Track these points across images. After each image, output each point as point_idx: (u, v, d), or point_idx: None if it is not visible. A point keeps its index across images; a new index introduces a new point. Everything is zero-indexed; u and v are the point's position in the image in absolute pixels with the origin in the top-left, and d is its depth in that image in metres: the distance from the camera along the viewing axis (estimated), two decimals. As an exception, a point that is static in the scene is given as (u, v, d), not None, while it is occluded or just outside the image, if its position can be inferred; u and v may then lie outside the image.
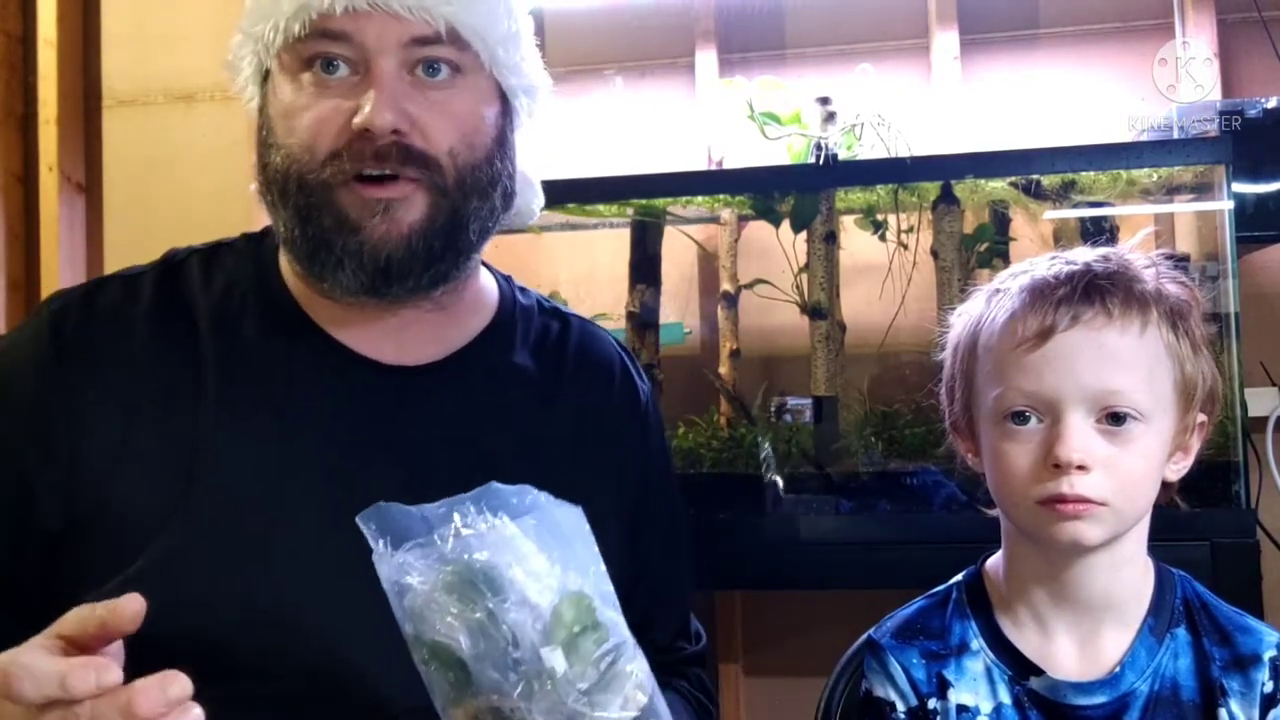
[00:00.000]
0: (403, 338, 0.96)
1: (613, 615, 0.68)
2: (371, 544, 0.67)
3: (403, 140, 0.87)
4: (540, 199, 1.07)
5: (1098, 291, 0.86)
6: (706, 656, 1.13)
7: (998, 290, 0.92)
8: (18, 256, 2.04)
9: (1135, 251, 0.93)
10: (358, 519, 0.67)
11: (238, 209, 1.95)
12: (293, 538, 0.87)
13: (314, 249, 0.89)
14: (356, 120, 0.86)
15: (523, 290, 1.09)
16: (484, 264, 1.05)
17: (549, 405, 1.01)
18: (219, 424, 0.89)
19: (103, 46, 2.04)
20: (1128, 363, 0.86)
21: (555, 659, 0.65)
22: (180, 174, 2.02)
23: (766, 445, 1.59)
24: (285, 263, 0.97)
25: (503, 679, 0.64)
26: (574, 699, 0.65)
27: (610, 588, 0.70)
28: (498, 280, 1.07)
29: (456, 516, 0.66)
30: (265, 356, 0.93)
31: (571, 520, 0.70)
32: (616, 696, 0.66)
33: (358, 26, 0.86)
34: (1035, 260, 0.94)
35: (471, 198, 0.91)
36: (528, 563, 0.66)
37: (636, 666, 0.68)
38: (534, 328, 1.05)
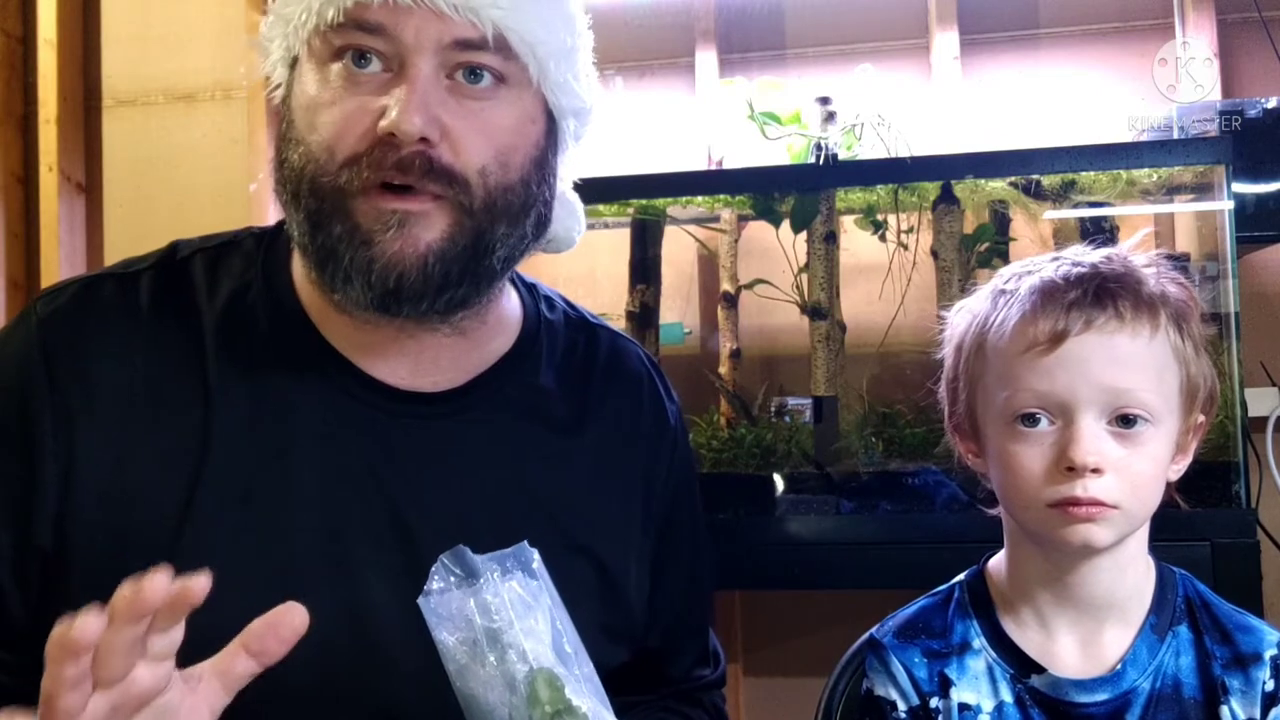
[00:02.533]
0: (420, 362, 0.90)
1: (590, 705, 0.69)
2: (427, 584, 0.71)
3: (429, 152, 0.79)
4: (582, 226, 0.99)
5: (1109, 295, 0.86)
6: (725, 679, 1.09)
7: (1004, 291, 0.92)
8: (18, 256, 2.04)
9: (1135, 252, 0.93)
10: (441, 557, 0.71)
11: (238, 209, 1.95)
12: (295, 568, 0.82)
13: (324, 259, 0.82)
14: (382, 123, 0.78)
15: (548, 301, 1.02)
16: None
17: (573, 435, 0.95)
18: (223, 444, 0.83)
19: (103, 46, 2.04)
20: (1139, 366, 0.86)
21: None
22: (180, 174, 2.02)
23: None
24: (299, 269, 0.90)
25: None
26: None
27: (591, 668, 0.73)
28: (521, 294, 1.00)
29: (488, 573, 0.71)
30: (273, 377, 0.87)
31: (552, 593, 0.73)
32: None
33: (396, 20, 0.79)
34: (1037, 260, 0.93)
35: (499, 222, 0.83)
36: (529, 635, 0.70)
37: None
38: (560, 345, 0.99)
